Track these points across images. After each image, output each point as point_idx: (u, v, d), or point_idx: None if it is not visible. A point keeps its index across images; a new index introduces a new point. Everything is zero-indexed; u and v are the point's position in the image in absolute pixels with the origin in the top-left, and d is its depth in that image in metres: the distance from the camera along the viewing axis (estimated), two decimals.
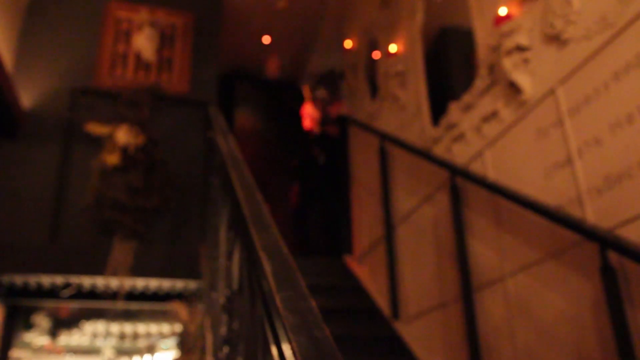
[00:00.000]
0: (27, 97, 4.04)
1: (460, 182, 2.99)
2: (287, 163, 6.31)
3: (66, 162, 3.94)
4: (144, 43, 4.25)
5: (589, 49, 2.12)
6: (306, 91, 5.80)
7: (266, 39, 5.76)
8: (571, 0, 2.21)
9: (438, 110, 3.36)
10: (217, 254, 2.58)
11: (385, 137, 3.97)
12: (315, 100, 5.49)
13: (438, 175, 3.22)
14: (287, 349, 0.93)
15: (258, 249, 1.33)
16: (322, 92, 5.47)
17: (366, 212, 4.44)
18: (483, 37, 2.89)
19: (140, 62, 4.38)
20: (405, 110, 3.82)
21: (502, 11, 2.58)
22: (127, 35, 4.45)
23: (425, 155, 3.34)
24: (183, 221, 4.01)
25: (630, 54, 1.94)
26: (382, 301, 3.78)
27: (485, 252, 2.74)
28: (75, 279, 3.75)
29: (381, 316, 3.69)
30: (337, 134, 5.25)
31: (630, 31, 1.94)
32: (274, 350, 1.07)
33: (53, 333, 4.71)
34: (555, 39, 2.31)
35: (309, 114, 5.53)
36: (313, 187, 5.50)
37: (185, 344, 3.40)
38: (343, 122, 5.15)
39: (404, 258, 3.64)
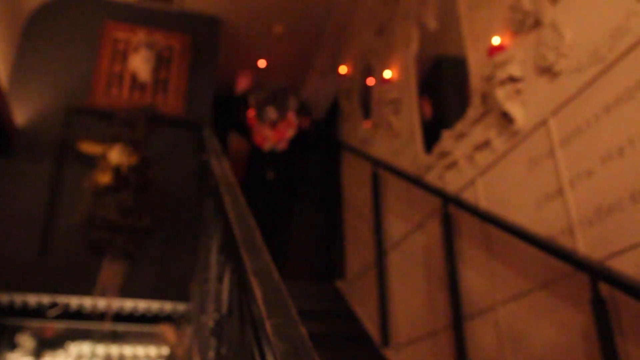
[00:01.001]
0: (21, 115, 4.03)
1: (452, 210, 2.99)
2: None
3: (58, 180, 3.92)
4: (139, 64, 4.28)
5: (580, 82, 2.16)
6: (252, 108, 5.42)
7: (262, 63, 5.81)
8: (563, 33, 2.25)
9: (431, 138, 3.39)
10: (208, 276, 2.56)
11: (378, 163, 3.98)
12: (265, 121, 5.23)
13: (430, 203, 3.23)
14: None
15: (249, 273, 1.32)
16: (271, 112, 5.22)
17: (358, 236, 4.43)
18: (476, 67, 2.94)
19: (136, 83, 4.40)
20: (398, 137, 3.84)
21: (496, 42, 2.62)
22: (124, 56, 4.47)
23: (417, 182, 3.35)
24: (174, 243, 3.98)
25: (620, 87, 1.97)
26: (372, 327, 3.75)
27: (476, 281, 2.73)
28: (62, 299, 3.70)
29: (371, 342, 3.66)
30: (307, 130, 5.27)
31: (621, 65, 1.98)
32: None
33: (37, 354, 4.61)
34: (547, 71, 2.34)
35: (261, 134, 5.25)
36: (262, 202, 5.29)
37: None
38: (336, 147, 5.18)
39: (394, 284, 3.63)
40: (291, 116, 5.19)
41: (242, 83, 5.45)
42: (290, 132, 5.12)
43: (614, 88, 2.00)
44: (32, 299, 3.66)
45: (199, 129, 4.13)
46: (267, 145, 5.10)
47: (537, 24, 2.43)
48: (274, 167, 5.16)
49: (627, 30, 1.96)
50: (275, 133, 5.08)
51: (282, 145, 5.09)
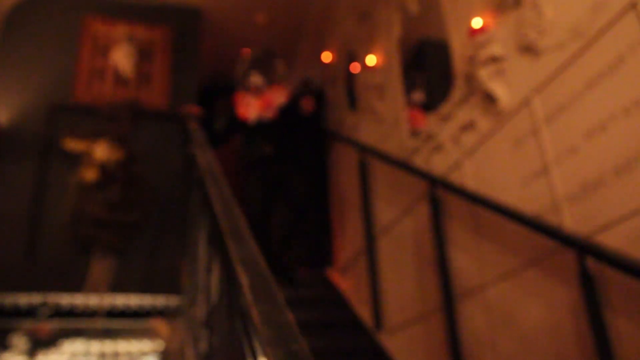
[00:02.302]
0: (3, 114, 3.98)
1: (439, 192, 3.00)
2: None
3: (43, 178, 3.88)
4: (121, 59, 4.23)
5: (562, 59, 2.16)
6: (238, 76, 4.68)
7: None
8: (543, 10, 2.25)
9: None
10: (197, 268, 2.55)
11: (364, 150, 3.98)
12: (249, 88, 4.48)
13: (418, 186, 3.23)
14: None
15: (235, 262, 1.31)
16: (256, 79, 4.49)
17: (347, 224, 4.43)
18: (459, 49, 2.93)
19: (118, 78, 4.35)
20: (384, 122, 3.84)
21: (477, 23, 2.61)
22: (105, 51, 4.42)
23: (404, 166, 3.35)
24: (163, 236, 3.96)
25: (601, 63, 1.97)
26: (364, 313, 3.77)
27: (465, 262, 2.75)
28: (53, 298, 3.67)
29: (364, 328, 3.67)
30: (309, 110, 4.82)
31: (601, 41, 1.98)
32: None
33: (31, 354, 4.59)
34: (529, 49, 2.34)
35: (244, 102, 4.49)
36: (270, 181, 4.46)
37: None
38: (322, 135, 5.15)
39: (386, 269, 3.64)
40: (279, 81, 4.57)
41: (307, 105, 4.88)
42: (279, 99, 4.45)
43: (595, 64, 2.00)
44: (23, 300, 3.63)
45: (184, 122, 4.10)
46: (252, 115, 4.38)
47: (518, 3, 2.42)
48: (268, 140, 4.40)
49: (605, 6, 1.96)
50: (261, 102, 4.40)
51: (269, 114, 4.39)
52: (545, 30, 2.24)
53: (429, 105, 3.32)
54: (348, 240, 4.38)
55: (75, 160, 3.84)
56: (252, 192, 4.42)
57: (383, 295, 3.59)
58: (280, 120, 4.46)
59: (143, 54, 4.46)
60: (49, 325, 4.44)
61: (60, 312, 3.83)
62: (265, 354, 0.90)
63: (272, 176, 4.38)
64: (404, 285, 3.37)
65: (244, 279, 1.19)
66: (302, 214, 4.58)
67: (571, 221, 2.07)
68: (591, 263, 1.91)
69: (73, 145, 3.87)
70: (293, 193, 4.53)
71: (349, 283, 4.22)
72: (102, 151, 3.76)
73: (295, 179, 4.54)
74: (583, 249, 1.92)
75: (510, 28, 2.47)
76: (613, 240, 1.86)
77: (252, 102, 4.36)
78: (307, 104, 4.83)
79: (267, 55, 4.58)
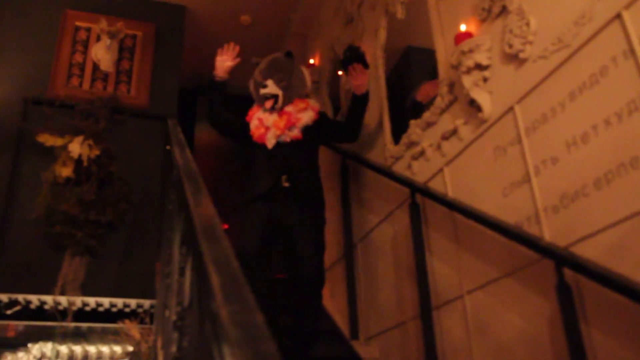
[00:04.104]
0: None
1: (420, 199, 2.98)
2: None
3: (15, 173, 3.78)
4: (101, 54, 4.15)
5: (546, 69, 2.16)
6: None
7: None
8: (529, 20, 2.25)
9: (400, 129, 3.37)
10: (170, 270, 2.49)
11: (346, 155, 3.95)
12: (262, 104, 3.30)
13: (398, 193, 3.21)
14: None
15: (207, 262, 1.27)
16: (271, 87, 3.24)
17: (326, 229, 4.39)
18: (444, 55, 2.92)
19: (97, 73, 4.27)
20: (367, 127, 3.81)
21: (462, 30, 2.61)
22: (85, 45, 4.33)
23: (385, 172, 3.33)
24: (138, 237, 3.88)
25: (585, 74, 1.97)
26: (341, 321, 3.72)
27: (444, 271, 2.73)
28: (21, 297, 3.57)
29: (340, 336, 3.63)
30: None
31: (585, 52, 1.98)
32: None
33: None
34: (513, 58, 2.34)
35: (259, 122, 3.31)
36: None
37: None
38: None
39: (363, 277, 3.60)
40: (305, 98, 3.38)
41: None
42: (306, 117, 3.25)
43: (578, 74, 2.00)
44: None
45: (164, 121, 4.03)
46: (270, 138, 3.19)
47: (504, 11, 2.42)
48: (287, 169, 3.15)
49: (590, 17, 1.96)
50: (280, 118, 3.23)
51: (294, 134, 3.19)
52: (530, 40, 2.24)
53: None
54: (327, 246, 4.33)
55: (50, 156, 3.75)
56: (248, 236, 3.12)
57: (360, 303, 3.56)
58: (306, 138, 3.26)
59: (124, 50, 4.39)
60: (17, 325, 4.32)
61: (30, 312, 3.71)
62: (233, 355, 0.86)
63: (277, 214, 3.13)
64: (381, 292, 3.34)
65: (215, 279, 1.14)
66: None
67: (550, 231, 2.06)
68: (569, 274, 1.90)
69: (49, 140, 3.77)
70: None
71: (327, 290, 4.17)
72: (77, 147, 3.67)
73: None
74: (561, 259, 1.91)
75: (495, 36, 2.47)
76: (591, 251, 1.85)
77: (268, 122, 3.24)
78: (357, 76, 3.26)
79: (284, 60, 3.40)
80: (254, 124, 3.33)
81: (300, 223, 3.09)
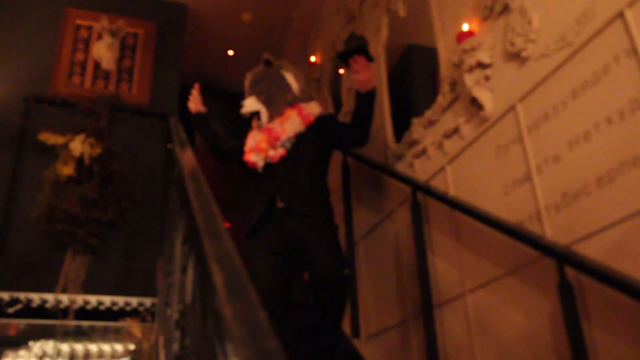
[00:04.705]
0: None
1: (421, 198, 2.98)
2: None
3: (17, 172, 3.78)
4: (103, 52, 4.15)
5: (548, 67, 2.15)
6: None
7: (230, 52, 5.72)
8: (531, 18, 2.24)
9: (402, 127, 3.37)
10: (172, 268, 2.49)
11: (347, 153, 3.95)
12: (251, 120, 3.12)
13: (400, 192, 3.21)
14: None
15: (210, 259, 1.27)
16: (251, 103, 3.04)
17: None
18: (446, 54, 2.92)
19: (99, 71, 4.27)
20: None
21: (465, 28, 2.61)
22: (87, 43, 4.33)
23: (386, 170, 3.33)
24: (140, 235, 3.89)
25: (587, 73, 1.97)
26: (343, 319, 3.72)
27: (445, 269, 2.73)
28: (23, 295, 3.57)
29: (342, 334, 3.63)
30: None
31: (587, 50, 1.98)
32: None
33: None
34: (515, 57, 2.34)
35: (251, 141, 3.05)
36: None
37: None
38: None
39: (365, 275, 3.60)
40: (296, 104, 2.99)
41: None
42: (290, 128, 2.89)
43: (580, 73, 2.00)
44: None
45: (165, 119, 4.03)
46: (258, 161, 2.91)
47: (506, 9, 2.42)
48: (279, 189, 2.82)
49: (593, 16, 1.96)
50: (266, 134, 2.91)
51: (279, 153, 2.87)
52: (532, 38, 2.24)
53: (415, 112, 3.30)
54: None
55: (51, 154, 3.75)
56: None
57: (361, 302, 3.56)
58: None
59: (125, 48, 4.39)
60: (18, 324, 4.33)
61: (31, 311, 3.72)
62: (237, 353, 0.86)
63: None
64: (383, 291, 3.34)
65: (217, 277, 1.14)
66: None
67: (552, 230, 2.06)
68: (570, 273, 1.90)
69: (50, 138, 3.78)
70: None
71: None
72: (79, 146, 3.67)
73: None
74: (562, 258, 1.91)
75: (497, 35, 2.47)
76: (593, 250, 1.85)
77: (254, 141, 2.97)
78: (361, 70, 2.80)
79: (270, 69, 3.06)
80: (247, 146, 3.02)
81: (307, 236, 2.76)
